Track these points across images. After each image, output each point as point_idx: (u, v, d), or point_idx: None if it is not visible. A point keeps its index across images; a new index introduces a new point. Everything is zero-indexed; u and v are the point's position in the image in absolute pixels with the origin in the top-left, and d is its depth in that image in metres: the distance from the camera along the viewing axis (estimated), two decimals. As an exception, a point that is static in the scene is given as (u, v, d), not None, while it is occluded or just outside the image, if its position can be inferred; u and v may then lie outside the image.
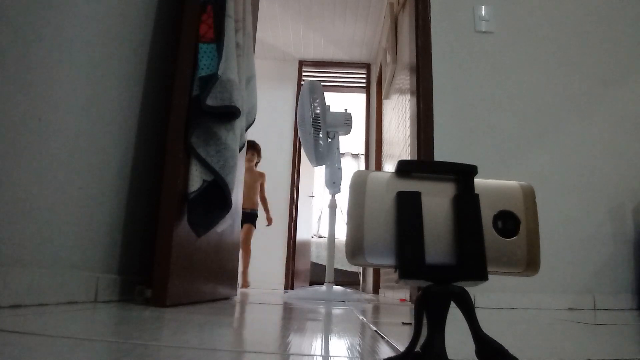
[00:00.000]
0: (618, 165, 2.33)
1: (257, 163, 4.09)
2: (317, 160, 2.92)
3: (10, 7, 0.99)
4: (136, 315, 1.04)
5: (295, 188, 4.84)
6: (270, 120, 4.81)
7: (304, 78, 5.18)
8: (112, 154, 1.45)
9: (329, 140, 2.97)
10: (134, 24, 1.58)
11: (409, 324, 1.14)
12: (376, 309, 1.85)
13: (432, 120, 2.32)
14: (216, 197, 1.57)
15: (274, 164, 4.72)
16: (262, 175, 4.11)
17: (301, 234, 4.81)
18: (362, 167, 6.11)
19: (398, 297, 2.80)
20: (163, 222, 1.40)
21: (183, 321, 0.98)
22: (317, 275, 5.20)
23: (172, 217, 1.41)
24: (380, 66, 4.67)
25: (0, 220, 0.97)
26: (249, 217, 3.92)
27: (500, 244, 0.45)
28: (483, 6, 2.49)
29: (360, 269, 5.25)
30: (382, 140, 4.48)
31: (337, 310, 1.66)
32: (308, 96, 2.86)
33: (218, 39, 1.58)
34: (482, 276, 0.43)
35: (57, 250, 1.18)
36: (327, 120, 2.93)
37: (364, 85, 5.30)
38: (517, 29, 2.48)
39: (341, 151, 3.20)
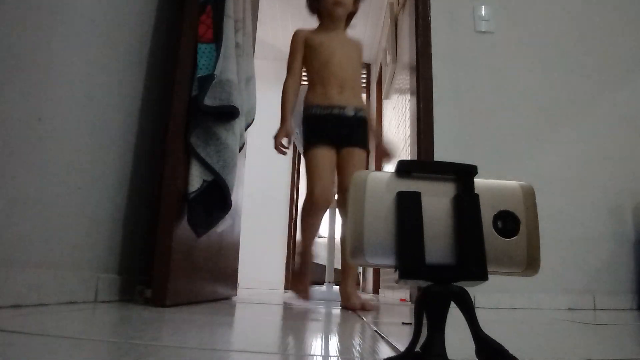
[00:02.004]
0: (618, 165, 2.33)
1: (353, 15, 2.11)
2: None
3: (11, 7, 0.99)
4: (136, 315, 1.04)
5: (295, 188, 4.85)
6: (270, 120, 4.80)
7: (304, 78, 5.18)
8: (112, 153, 1.45)
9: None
10: (134, 24, 1.58)
11: (409, 324, 1.14)
12: (376, 309, 1.85)
13: (432, 120, 2.32)
14: (216, 197, 1.57)
15: (274, 164, 4.72)
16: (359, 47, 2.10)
17: (301, 234, 4.81)
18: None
19: (398, 297, 2.80)
20: (163, 222, 1.40)
21: (183, 321, 0.97)
22: (317, 275, 5.20)
23: (172, 217, 1.41)
24: (380, 66, 4.67)
25: (0, 220, 0.97)
26: (350, 128, 1.89)
27: (500, 244, 0.45)
28: (483, 6, 2.49)
29: (360, 269, 5.25)
30: (382, 140, 4.48)
31: (337, 310, 1.66)
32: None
33: (217, 39, 1.58)
34: (482, 276, 0.43)
35: (57, 250, 1.17)
36: None
37: (363, 85, 5.30)
38: (517, 29, 2.48)
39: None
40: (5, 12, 0.97)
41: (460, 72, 2.42)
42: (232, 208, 1.65)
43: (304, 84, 2.17)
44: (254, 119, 2.04)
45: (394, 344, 0.74)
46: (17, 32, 1.00)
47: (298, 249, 1.98)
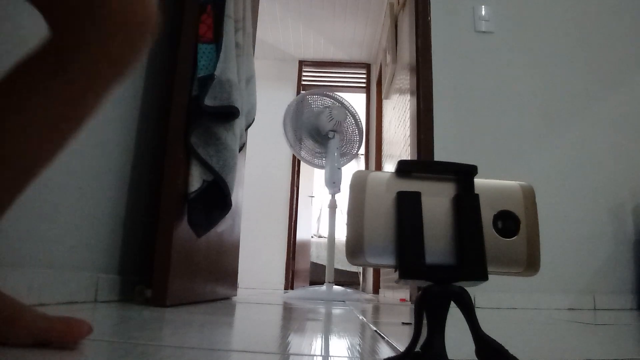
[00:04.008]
0: (618, 165, 2.33)
1: None
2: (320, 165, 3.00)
3: (13, 8, 0.99)
4: (136, 315, 1.04)
5: (295, 188, 4.84)
6: (270, 120, 4.82)
7: (304, 78, 5.18)
8: (112, 153, 1.45)
9: (330, 139, 2.98)
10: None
11: (409, 324, 1.14)
12: (376, 309, 1.85)
13: (432, 120, 2.32)
14: (216, 197, 1.57)
15: (273, 164, 4.72)
16: None
17: (301, 234, 4.81)
18: (362, 167, 6.12)
19: (398, 297, 2.80)
20: (163, 222, 1.40)
21: (183, 321, 0.98)
22: (317, 275, 5.20)
23: (172, 217, 1.41)
24: (380, 66, 4.67)
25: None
26: None
27: (500, 244, 0.45)
28: (483, 6, 2.49)
29: (360, 269, 5.25)
30: (382, 140, 4.48)
31: (337, 310, 1.66)
32: (284, 128, 3.01)
33: (217, 39, 1.58)
34: (482, 276, 0.43)
35: (57, 250, 1.17)
36: (320, 129, 2.99)
37: (364, 85, 5.30)
38: (517, 29, 2.48)
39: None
40: (7, 12, 0.97)
41: (460, 72, 2.42)
42: (232, 208, 1.65)
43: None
44: (254, 119, 2.04)
45: (394, 344, 0.74)
46: (18, 32, 1.00)
47: None
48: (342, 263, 5.19)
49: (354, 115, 3.07)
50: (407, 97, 2.87)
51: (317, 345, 0.71)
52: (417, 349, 0.43)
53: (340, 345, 0.74)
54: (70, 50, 0.52)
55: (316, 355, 0.62)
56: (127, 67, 0.56)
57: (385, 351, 0.66)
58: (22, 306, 0.56)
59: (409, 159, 2.42)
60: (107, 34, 0.52)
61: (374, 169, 4.62)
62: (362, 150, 5.61)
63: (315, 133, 3.03)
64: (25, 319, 0.55)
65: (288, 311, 1.52)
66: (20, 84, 0.52)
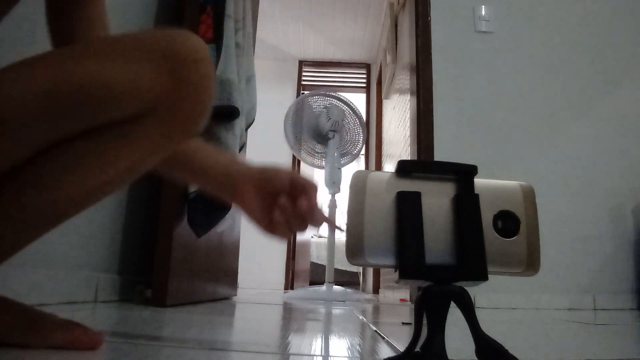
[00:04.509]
0: (618, 165, 2.33)
1: None
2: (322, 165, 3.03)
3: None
4: (136, 315, 1.04)
5: (295, 188, 4.84)
6: (270, 120, 4.82)
7: (304, 78, 5.18)
8: (112, 154, 1.45)
9: (329, 139, 2.98)
10: (134, 24, 1.57)
11: (409, 324, 1.14)
12: (376, 309, 1.85)
13: (432, 120, 2.32)
14: (216, 197, 1.57)
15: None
16: None
17: (301, 234, 4.81)
18: (362, 167, 6.12)
19: (398, 297, 2.80)
20: (163, 222, 1.40)
21: (183, 321, 0.98)
22: (317, 275, 5.20)
23: (172, 217, 1.41)
24: (380, 66, 4.67)
25: (0, 220, 0.96)
26: None
27: (500, 244, 0.45)
28: (483, 6, 2.49)
29: (360, 269, 5.24)
30: (382, 140, 4.48)
31: (337, 310, 1.66)
32: (284, 130, 3.06)
33: (217, 39, 1.58)
34: (482, 276, 0.43)
35: (57, 250, 1.17)
36: (320, 129, 2.99)
37: (364, 85, 5.30)
38: (517, 29, 2.48)
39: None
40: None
41: (460, 72, 2.42)
42: (232, 208, 1.65)
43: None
44: (254, 119, 2.04)
45: (394, 344, 0.74)
46: (17, 32, 1.00)
47: None
48: (342, 263, 5.18)
49: (354, 111, 3.06)
50: (407, 97, 2.87)
51: (317, 345, 0.71)
52: (417, 349, 0.43)
53: (340, 345, 0.74)
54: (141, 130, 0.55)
55: (316, 355, 0.62)
56: (180, 141, 0.59)
57: (385, 351, 0.66)
58: (41, 313, 0.58)
59: (409, 159, 2.42)
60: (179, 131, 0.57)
61: (374, 169, 4.62)
62: (362, 150, 5.60)
63: (316, 134, 3.03)
64: (45, 326, 0.57)
65: (288, 311, 1.52)
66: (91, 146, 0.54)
